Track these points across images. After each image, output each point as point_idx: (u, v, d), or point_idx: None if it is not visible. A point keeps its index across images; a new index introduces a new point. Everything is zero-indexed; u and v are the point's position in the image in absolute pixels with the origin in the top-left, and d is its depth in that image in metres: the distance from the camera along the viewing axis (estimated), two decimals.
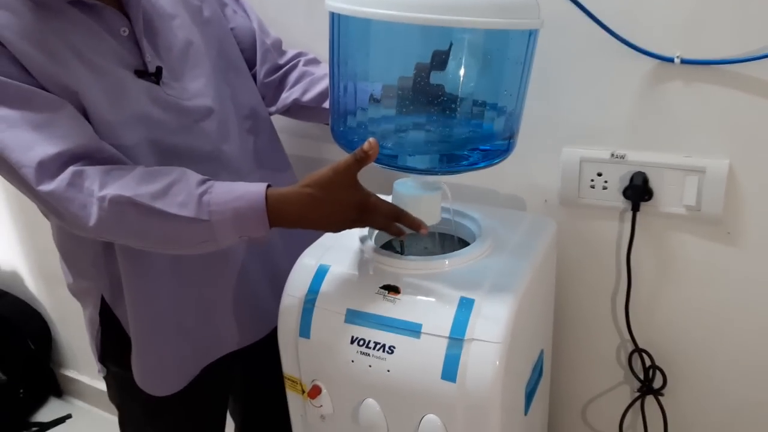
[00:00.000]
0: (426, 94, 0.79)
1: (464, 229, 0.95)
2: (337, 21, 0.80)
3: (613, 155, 0.95)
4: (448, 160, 0.82)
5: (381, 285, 0.81)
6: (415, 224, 0.80)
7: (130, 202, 0.75)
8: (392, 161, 0.80)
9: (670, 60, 0.88)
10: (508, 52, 0.79)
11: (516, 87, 0.81)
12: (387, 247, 0.98)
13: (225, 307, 0.97)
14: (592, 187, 0.98)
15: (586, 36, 0.91)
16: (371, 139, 0.75)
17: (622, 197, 0.97)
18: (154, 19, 0.88)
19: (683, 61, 0.87)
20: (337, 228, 0.80)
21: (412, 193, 0.82)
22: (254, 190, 0.77)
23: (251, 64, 1.04)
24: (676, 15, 0.86)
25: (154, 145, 0.86)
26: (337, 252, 0.89)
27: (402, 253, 0.99)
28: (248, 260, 0.97)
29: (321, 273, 0.86)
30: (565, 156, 0.99)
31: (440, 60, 0.78)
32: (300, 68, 1.05)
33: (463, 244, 0.95)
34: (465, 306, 0.76)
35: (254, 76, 1.04)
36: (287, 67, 1.06)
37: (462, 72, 0.79)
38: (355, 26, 0.79)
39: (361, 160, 0.75)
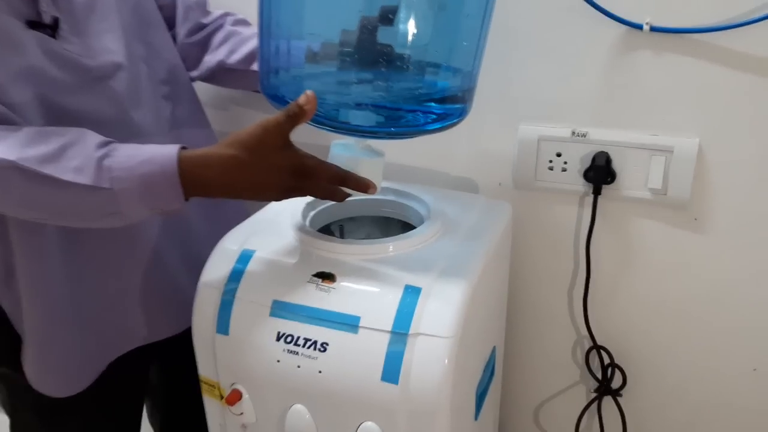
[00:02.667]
0: (372, 53, 0.69)
1: (411, 212, 0.85)
2: None
3: (574, 133, 0.87)
4: (396, 120, 0.71)
5: (314, 272, 0.70)
6: (363, 184, 0.70)
7: (13, 166, 0.63)
8: (331, 120, 0.69)
9: (639, 27, 0.80)
10: (465, 3, 0.69)
11: (473, 45, 0.72)
12: (325, 233, 0.87)
13: (134, 295, 0.85)
14: (551, 168, 0.90)
15: None
16: (308, 92, 0.64)
17: (582, 180, 0.89)
18: None
19: (653, 29, 0.80)
20: (269, 197, 0.70)
21: (354, 155, 0.71)
22: (165, 152, 0.66)
23: (171, 23, 0.93)
24: None
25: (47, 105, 0.74)
26: (265, 235, 0.78)
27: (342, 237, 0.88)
28: (163, 243, 0.86)
29: (244, 259, 0.75)
30: (521, 134, 0.90)
31: (388, 15, 0.67)
32: (227, 28, 0.95)
33: (410, 229, 0.84)
34: (410, 295, 0.66)
35: (174, 38, 0.94)
36: (212, 26, 0.95)
37: (412, 28, 0.68)
38: None
39: (296, 117, 0.64)
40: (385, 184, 0.88)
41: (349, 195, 0.71)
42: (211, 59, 0.93)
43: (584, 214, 0.91)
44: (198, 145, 0.90)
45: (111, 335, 0.85)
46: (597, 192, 0.88)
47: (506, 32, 0.84)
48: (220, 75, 0.95)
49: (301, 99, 0.64)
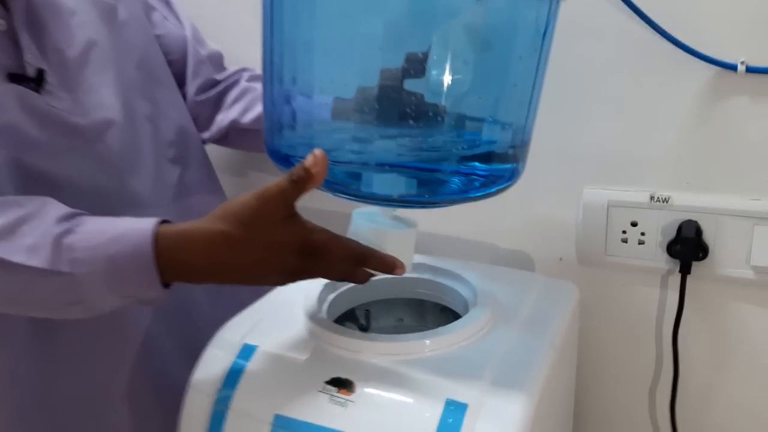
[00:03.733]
0: (398, 105, 0.55)
1: (452, 295, 0.70)
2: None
3: (653, 198, 0.72)
4: (430, 185, 0.57)
5: (328, 378, 0.54)
6: (388, 264, 0.57)
7: None
8: (348, 185, 0.55)
9: (732, 68, 0.66)
10: (517, 36, 0.55)
11: (526, 92, 0.57)
12: (348, 318, 0.71)
13: (119, 393, 0.73)
14: (625, 241, 0.74)
15: (617, 34, 0.69)
16: (317, 152, 0.51)
17: (666, 255, 0.73)
18: (44, 11, 0.69)
19: (749, 69, 0.65)
20: (269, 281, 0.57)
21: (378, 227, 0.57)
22: (139, 228, 0.55)
23: (182, 80, 0.85)
24: (739, 8, 0.65)
25: (21, 170, 0.65)
26: (274, 324, 0.64)
27: (366, 327, 0.72)
28: (157, 329, 0.74)
29: (243, 356, 0.60)
30: (587, 199, 0.75)
31: (417, 64, 0.55)
32: (242, 84, 0.86)
33: (450, 314, 0.69)
34: (453, 413, 0.50)
35: (185, 96, 0.85)
36: (226, 83, 0.86)
37: (448, 75, 0.54)
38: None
39: (301, 183, 0.52)
40: (420, 259, 0.74)
41: (371, 275, 0.57)
42: (223, 119, 0.84)
43: (669, 298, 0.75)
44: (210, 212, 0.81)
45: None
46: (685, 270, 0.71)
47: (566, 76, 0.70)
48: (233, 136, 0.85)
49: (308, 160, 0.51)
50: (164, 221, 0.56)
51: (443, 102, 0.55)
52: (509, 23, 0.56)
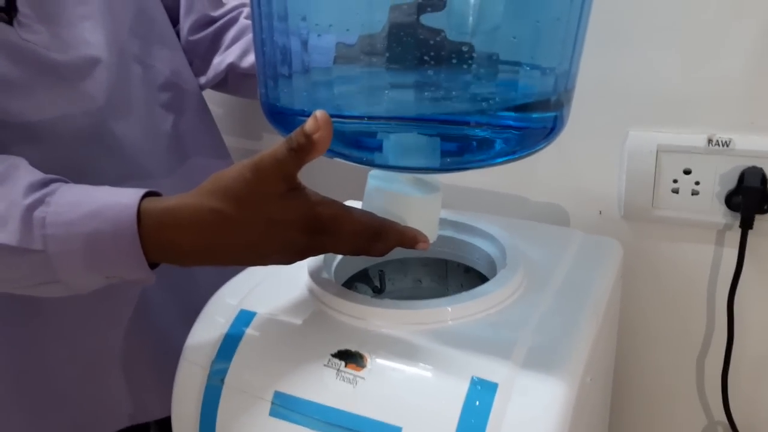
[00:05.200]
0: (413, 49, 0.46)
1: (478, 254, 0.62)
2: None
3: (711, 141, 0.63)
4: (458, 145, 0.48)
5: (334, 351, 0.47)
6: (408, 238, 0.50)
7: None
8: (358, 149, 0.47)
9: None
10: None
11: (572, 25, 0.47)
12: (361, 279, 0.64)
13: (113, 362, 0.69)
14: (676, 191, 0.65)
15: None
16: (318, 114, 0.43)
17: (724, 207, 0.64)
18: None
19: None
20: (274, 261, 0.50)
21: (399, 193, 0.50)
22: (121, 203, 0.48)
23: (176, 18, 0.78)
24: None
25: None
26: (275, 287, 0.57)
27: (380, 290, 0.65)
28: (153, 290, 0.69)
29: (240, 323, 0.53)
30: (632, 143, 0.66)
31: None
32: (241, 22, 0.78)
33: (476, 277, 0.61)
34: (481, 393, 0.43)
35: (179, 35, 0.77)
36: (223, 21, 0.78)
37: (476, 6, 0.45)
38: None
39: (301, 151, 0.44)
40: (442, 212, 0.65)
41: (389, 249, 0.49)
42: (220, 62, 0.76)
43: (726, 256, 0.66)
44: (208, 164, 0.74)
45: (84, 417, 0.68)
46: (747, 225, 0.63)
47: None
48: (232, 81, 0.78)
49: (309, 124, 0.43)
50: (148, 194, 0.49)
51: (470, 40, 0.45)
52: None
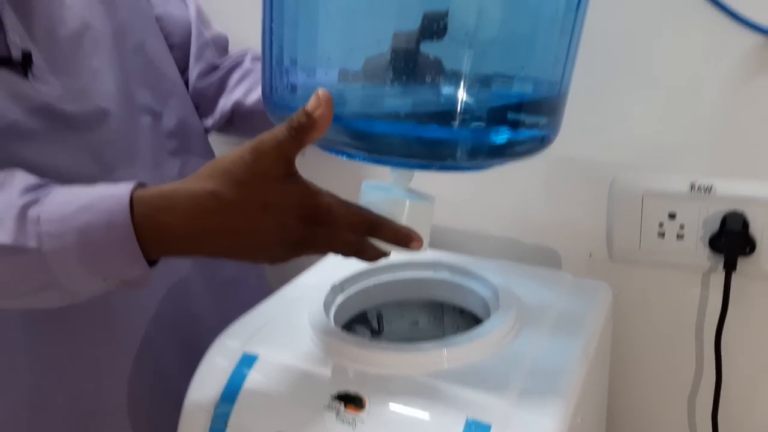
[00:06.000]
0: (413, 71, 0.48)
1: (472, 297, 0.64)
2: None
3: (693, 187, 0.65)
4: (452, 141, 0.48)
5: (335, 393, 0.49)
6: (402, 235, 0.49)
7: None
8: (356, 141, 0.48)
9: None
10: None
11: (563, 50, 0.51)
12: (357, 322, 0.66)
13: (116, 405, 0.67)
14: (662, 235, 0.67)
15: None
16: (320, 91, 0.44)
17: (708, 250, 0.66)
18: None
19: None
20: (266, 254, 0.48)
21: (392, 196, 0.50)
22: (113, 193, 0.48)
23: (184, 66, 0.79)
24: None
25: (8, 163, 0.59)
26: (277, 330, 0.58)
27: (378, 332, 0.66)
28: (154, 332, 0.68)
29: (243, 366, 0.55)
30: (618, 187, 0.68)
31: (436, 24, 0.48)
32: (246, 65, 0.80)
33: (471, 317, 0.64)
34: None
35: (186, 83, 0.79)
36: (229, 65, 0.80)
37: (472, 34, 0.47)
38: None
39: (302, 131, 0.44)
40: (436, 256, 0.68)
41: (383, 254, 0.49)
42: (226, 102, 0.78)
43: (712, 298, 0.68)
44: None
45: None
46: (730, 267, 0.64)
47: (594, 47, 0.62)
48: (238, 120, 0.79)
49: (310, 103, 0.44)
50: (141, 184, 0.48)
51: (465, 66, 0.47)
52: None
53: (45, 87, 0.61)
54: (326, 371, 0.52)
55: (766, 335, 0.67)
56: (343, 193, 0.48)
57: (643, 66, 0.65)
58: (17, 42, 0.59)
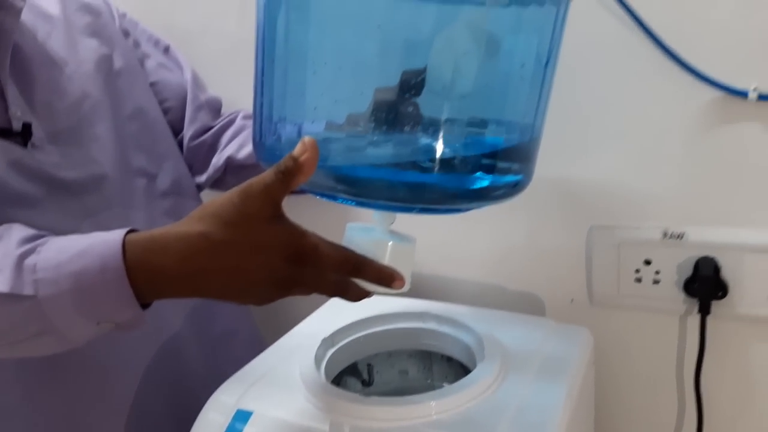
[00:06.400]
0: (393, 120, 0.51)
1: (458, 346, 0.66)
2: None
3: (666, 234, 0.68)
4: (431, 186, 0.52)
5: None
6: (385, 275, 0.50)
7: None
8: (340, 185, 0.50)
9: (743, 94, 0.62)
10: (521, 45, 0.52)
11: (534, 96, 0.54)
12: (348, 373, 0.67)
13: None
14: (639, 280, 0.70)
15: (621, 54, 0.66)
16: (306, 138, 0.46)
17: (683, 294, 0.69)
18: (32, 63, 0.67)
19: (761, 97, 0.62)
20: (254, 294, 0.50)
21: (375, 238, 0.52)
22: (107, 239, 0.50)
23: (178, 128, 0.82)
24: (750, 30, 0.61)
25: (4, 223, 0.61)
26: (271, 385, 0.60)
27: (369, 382, 0.68)
28: (145, 387, 0.69)
29: (238, 421, 0.56)
30: (594, 237, 0.72)
31: (414, 81, 0.51)
32: (237, 123, 0.82)
33: (459, 365, 0.66)
34: None
35: (180, 143, 0.82)
36: (221, 124, 0.83)
37: (447, 89, 0.51)
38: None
39: (289, 175, 0.46)
40: (423, 306, 0.70)
41: (366, 294, 0.51)
42: (219, 158, 0.80)
43: (689, 339, 0.70)
44: None
45: None
46: (705, 310, 0.67)
47: (565, 105, 0.66)
48: (230, 175, 0.81)
49: (297, 148, 0.46)
50: (133, 230, 0.50)
51: (442, 116, 0.51)
52: (516, 32, 0.52)
53: (44, 156, 0.64)
54: (320, 426, 0.53)
55: (744, 376, 0.69)
56: (329, 232, 0.50)
57: (613, 121, 0.68)
58: (18, 115, 0.62)
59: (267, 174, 0.47)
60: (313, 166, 0.46)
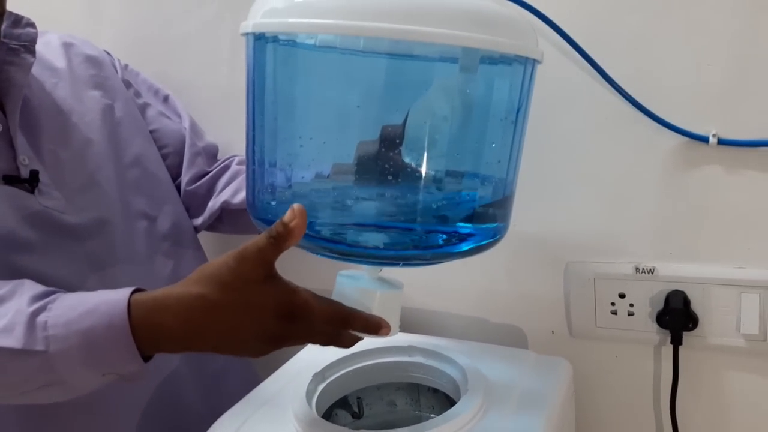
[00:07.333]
0: (376, 173, 0.56)
1: (444, 378, 0.69)
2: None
3: (638, 270, 0.72)
4: (414, 242, 0.56)
5: None
6: (372, 324, 0.54)
7: None
8: (329, 243, 0.55)
9: (704, 139, 0.67)
10: (494, 103, 0.56)
11: (507, 149, 0.58)
12: (339, 406, 0.70)
13: None
14: (614, 312, 0.74)
15: (589, 105, 0.71)
16: (295, 206, 0.51)
17: (656, 326, 0.72)
18: (40, 113, 0.70)
19: (721, 142, 0.66)
20: (249, 349, 0.54)
21: (365, 287, 0.56)
22: (113, 298, 0.53)
23: (176, 173, 0.85)
24: (709, 80, 0.66)
25: (9, 270, 0.64)
26: (261, 422, 0.62)
27: (359, 415, 0.71)
28: (143, 425, 0.71)
29: None
30: (571, 273, 0.75)
31: (393, 136, 0.55)
32: (233, 168, 0.86)
33: (445, 397, 0.69)
34: None
35: (179, 187, 0.85)
36: (217, 169, 0.86)
37: (425, 145, 0.55)
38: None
39: (280, 239, 0.50)
40: (411, 339, 0.73)
41: (357, 339, 0.55)
42: (215, 203, 0.83)
43: (664, 369, 0.74)
44: None
45: None
46: (677, 341, 0.71)
47: (540, 152, 0.70)
48: (226, 218, 0.84)
49: (287, 215, 0.50)
50: (138, 290, 0.54)
51: (420, 167, 0.55)
52: (486, 91, 0.56)
53: (49, 201, 0.66)
54: None
55: (717, 403, 0.73)
56: (321, 277, 0.55)
57: (585, 164, 0.73)
58: (26, 162, 0.65)
59: (260, 238, 0.51)
60: (302, 231, 0.50)
